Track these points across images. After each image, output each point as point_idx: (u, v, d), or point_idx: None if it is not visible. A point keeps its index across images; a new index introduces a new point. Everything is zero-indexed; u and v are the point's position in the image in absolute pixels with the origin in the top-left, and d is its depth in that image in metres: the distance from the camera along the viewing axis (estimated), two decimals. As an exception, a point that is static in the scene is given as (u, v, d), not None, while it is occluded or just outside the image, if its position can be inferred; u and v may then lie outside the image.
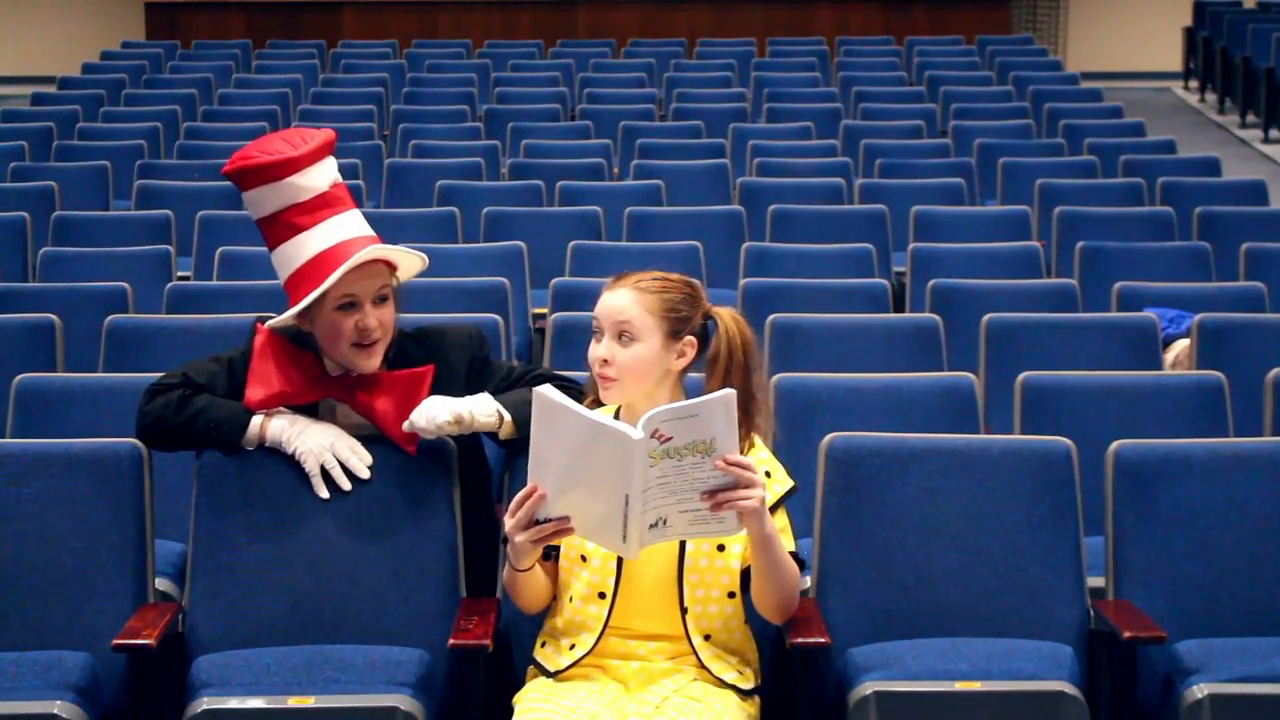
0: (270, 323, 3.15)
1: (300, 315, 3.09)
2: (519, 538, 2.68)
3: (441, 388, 3.14)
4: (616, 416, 2.87)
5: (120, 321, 4.69)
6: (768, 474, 2.82)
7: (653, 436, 2.51)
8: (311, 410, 3.18)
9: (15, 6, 15.91)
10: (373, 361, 3.11)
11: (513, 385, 3.20)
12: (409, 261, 3.17)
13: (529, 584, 2.86)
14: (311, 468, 3.10)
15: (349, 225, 3.11)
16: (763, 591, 2.80)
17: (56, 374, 4.34)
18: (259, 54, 12.56)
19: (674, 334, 2.83)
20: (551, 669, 2.87)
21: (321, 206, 3.09)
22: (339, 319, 3.07)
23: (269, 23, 14.18)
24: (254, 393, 3.11)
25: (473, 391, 3.16)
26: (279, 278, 3.13)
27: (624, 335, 2.82)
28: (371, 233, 3.15)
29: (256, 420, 3.11)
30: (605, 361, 2.82)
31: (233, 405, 3.12)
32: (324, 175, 3.12)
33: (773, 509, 2.77)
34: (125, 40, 13.46)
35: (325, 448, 3.10)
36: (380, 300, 3.11)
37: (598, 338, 2.85)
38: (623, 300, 2.83)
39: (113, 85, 10.87)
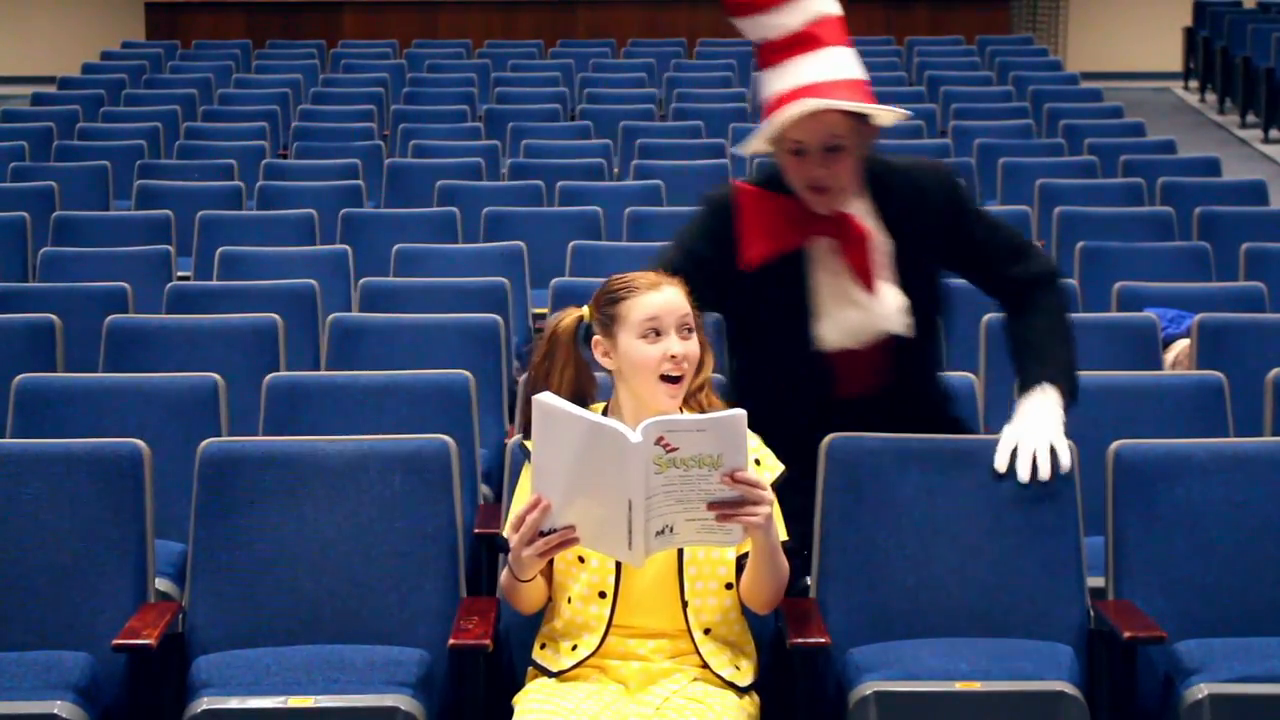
0: (746, 149, 3.11)
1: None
2: (525, 552, 2.67)
3: (905, 241, 3.07)
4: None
5: (120, 321, 4.69)
6: (757, 461, 2.83)
7: (659, 444, 2.52)
8: (798, 260, 3.10)
9: (15, 6, 15.91)
10: (826, 201, 3.03)
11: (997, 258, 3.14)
12: (876, 114, 3.05)
13: (528, 590, 2.85)
14: None
15: (816, 68, 3.02)
16: (756, 588, 2.81)
17: (56, 374, 4.34)
18: (259, 54, 12.56)
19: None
20: (554, 670, 2.86)
21: (792, 45, 3.05)
22: (791, 163, 3.03)
23: (269, 23, 14.17)
24: (752, 251, 3.07)
25: (947, 248, 3.12)
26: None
27: (686, 329, 2.82)
28: (847, 76, 3.04)
29: None
30: (684, 358, 2.80)
31: None
32: (796, 14, 3.06)
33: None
34: (125, 40, 13.46)
35: None
36: (831, 150, 3.00)
37: (660, 338, 2.80)
38: (677, 296, 2.83)
39: (113, 85, 10.86)
